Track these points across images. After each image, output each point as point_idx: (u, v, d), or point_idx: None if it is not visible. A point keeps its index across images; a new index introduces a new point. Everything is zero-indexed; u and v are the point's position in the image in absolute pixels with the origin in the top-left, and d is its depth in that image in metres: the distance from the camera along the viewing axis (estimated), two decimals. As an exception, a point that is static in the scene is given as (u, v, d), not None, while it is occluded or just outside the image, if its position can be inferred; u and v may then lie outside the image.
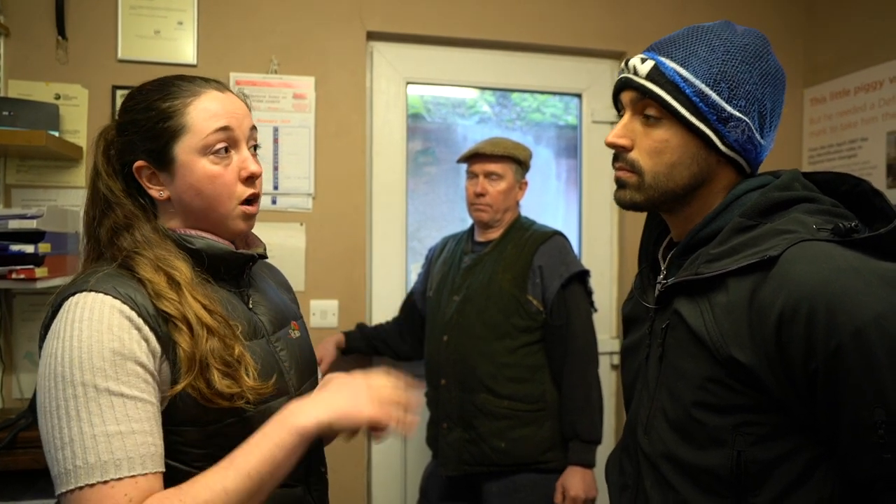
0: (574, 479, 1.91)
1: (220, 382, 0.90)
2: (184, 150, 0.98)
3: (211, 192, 0.99)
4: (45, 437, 0.85)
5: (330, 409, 0.93)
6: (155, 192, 1.00)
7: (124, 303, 0.88)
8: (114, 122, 1.04)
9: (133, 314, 0.88)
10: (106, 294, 0.88)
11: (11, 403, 2.02)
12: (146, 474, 0.84)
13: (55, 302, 0.91)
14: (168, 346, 0.90)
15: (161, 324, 0.90)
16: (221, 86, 1.05)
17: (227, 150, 1.01)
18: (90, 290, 0.89)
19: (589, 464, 1.93)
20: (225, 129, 1.00)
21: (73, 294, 0.89)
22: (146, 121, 0.99)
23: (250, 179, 1.03)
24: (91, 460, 0.81)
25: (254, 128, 1.06)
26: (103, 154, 1.02)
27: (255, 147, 1.07)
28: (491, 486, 1.96)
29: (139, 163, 0.99)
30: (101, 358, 0.84)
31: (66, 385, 0.83)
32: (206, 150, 0.99)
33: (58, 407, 0.83)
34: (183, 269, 0.95)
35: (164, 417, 0.91)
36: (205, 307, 0.94)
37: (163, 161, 0.99)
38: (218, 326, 0.94)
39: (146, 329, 0.89)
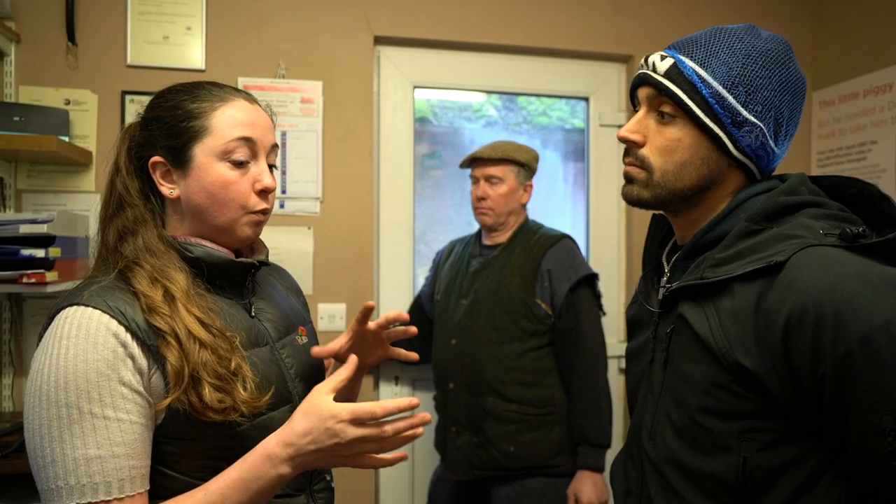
0: (585, 485, 1.90)
1: (210, 396, 0.90)
2: (203, 151, 0.99)
3: (223, 198, 0.99)
4: (31, 451, 0.87)
5: (308, 458, 0.91)
6: (166, 189, 1.01)
7: (112, 317, 0.89)
8: (139, 120, 1.05)
9: (121, 329, 0.89)
10: (95, 308, 0.89)
11: (22, 407, 2.03)
12: (123, 498, 0.86)
13: (52, 312, 0.92)
14: (158, 358, 0.90)
15: (151, 336, 0.90)
16: (251, 98, 1.05)
17: (244, 163, 1.00)
18: (81, 304, 0.89)
19: (598, 468, 1.92)
20: (247, 139, 1.00)
21: (66, 307, 0.90)
22: (171, 118, 0.99)
23: (263, 193, 1.03)
24: (71, 482, 0.84)
25: (275, 145, 1.06)
26: (126, 151, 1.03)
27: (272, 167, 1.06)
28: (500, 490, 1.96)
29: (156, 158, 1.00)
30: (85, 380, 0.85)
31: (50, 405, 0.85)
32: (225, 156, 0.99)
33: (40, 426, 0.85)
34: (180, 280, 0.95)
35: (160, 430, 0.92)
36: (199, 320, 0.93)
37: (180, 159, 0.99)
38: (212, 340, 0.93)
39: (133, 345, 0.89)
